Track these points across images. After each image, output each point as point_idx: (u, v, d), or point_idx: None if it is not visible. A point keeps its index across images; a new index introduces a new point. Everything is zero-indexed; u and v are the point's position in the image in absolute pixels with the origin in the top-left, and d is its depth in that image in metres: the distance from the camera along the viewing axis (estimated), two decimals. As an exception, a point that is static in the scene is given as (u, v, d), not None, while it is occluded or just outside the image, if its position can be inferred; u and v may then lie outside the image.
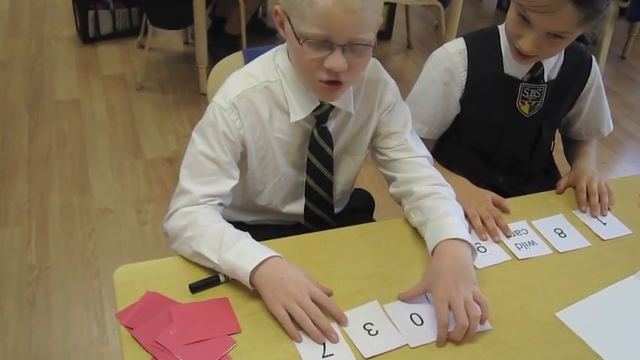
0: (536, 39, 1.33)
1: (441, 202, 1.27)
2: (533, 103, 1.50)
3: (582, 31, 1.35)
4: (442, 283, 1.10)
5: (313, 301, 1.06)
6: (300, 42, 1.13)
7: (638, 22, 4.02)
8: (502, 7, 4.76)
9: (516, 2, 1.33)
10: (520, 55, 1.40)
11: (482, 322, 1.07)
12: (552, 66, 1.49)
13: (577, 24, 1.29)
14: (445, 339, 1.06)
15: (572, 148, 1.68)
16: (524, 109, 1.50)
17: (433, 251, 1.18)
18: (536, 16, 1.30)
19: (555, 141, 1.68)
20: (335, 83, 1.18)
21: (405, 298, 1.13)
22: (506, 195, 1.46)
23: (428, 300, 1.13)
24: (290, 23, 1.15)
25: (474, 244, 1.19)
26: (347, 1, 1.07)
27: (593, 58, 1.56)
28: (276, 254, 1.11)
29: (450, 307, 1.07)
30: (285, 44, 1.26)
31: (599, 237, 1.34)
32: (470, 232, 1.30)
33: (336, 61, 1.12)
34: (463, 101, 1.52)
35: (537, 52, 1.37)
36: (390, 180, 1.39)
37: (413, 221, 1.30)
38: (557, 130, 1.68)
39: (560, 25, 1.30)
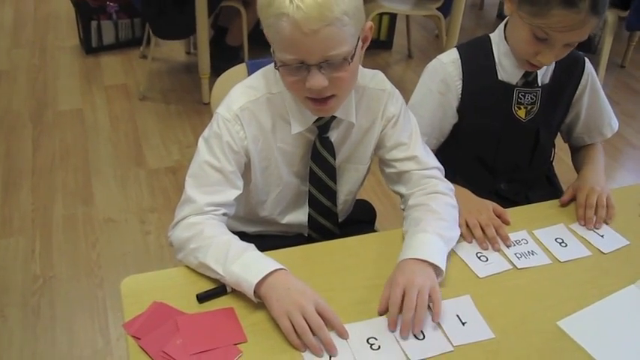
0: (557, 53, 1.38)
1: (427, 215, 1.27)
2: (529, 107, 1.52)
3: None
4: (401, 272, 1.14)
5: (318, 312, 1.06)
6: (277, 67, 1.16)
7: (637, 31, 4.04)
8: (502, 15, 4.76)
9: (534, 25, 1.34)
10: (533, 67, 1.44)
11: (434, 318, 1.10)
12: (545, 70, 1.51)
13: (592, 30, 1.35)
14: (395, 320, 1.09)
15: (578, 156, 1.68)
16: (521, 114, 1.53)
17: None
18: (560, 34, 1.33)
19: (556, 150, 1.70)
20: (324, 100, 1.19)
21: (380, 311, 1.13)
22: (510, 202, 1.47)
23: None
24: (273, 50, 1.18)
25: (443, 266, 1.19)
26: (304, 24, 1.06)
27: (587, 60, 1.58)
28: (281, 267, 1.12)
29: (403, 293, 1.10)
30: None
31: (598, 250, 1.34)
32: (471, 242, 1.33)
33: (315, 80, 1.13)
34: (460, 110, 1.54)
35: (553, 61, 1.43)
36: (399, 196, 1.40)
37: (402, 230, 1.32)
38: (561, 139, 1.70)
39: (581, 36, 1.35)
